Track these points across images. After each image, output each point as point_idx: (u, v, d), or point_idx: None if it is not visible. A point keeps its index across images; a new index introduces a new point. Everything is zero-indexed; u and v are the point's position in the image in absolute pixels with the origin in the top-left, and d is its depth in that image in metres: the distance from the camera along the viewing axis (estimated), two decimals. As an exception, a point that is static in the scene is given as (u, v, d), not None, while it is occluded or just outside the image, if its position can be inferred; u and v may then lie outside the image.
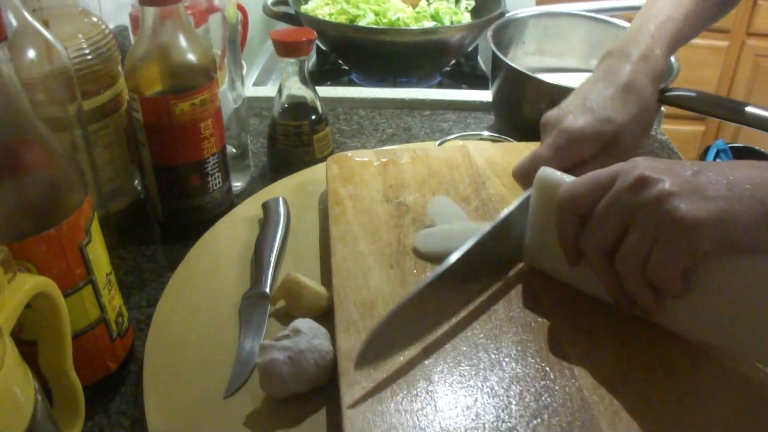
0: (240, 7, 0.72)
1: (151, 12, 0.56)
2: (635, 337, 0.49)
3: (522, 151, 0.74)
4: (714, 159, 1.85)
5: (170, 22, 0.57)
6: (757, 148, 1.68)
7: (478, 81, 1.18)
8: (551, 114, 0.58)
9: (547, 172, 0.51)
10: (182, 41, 0.58)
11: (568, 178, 0.50)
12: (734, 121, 0.66)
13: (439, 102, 0.97)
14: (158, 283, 0.62)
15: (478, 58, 1.26)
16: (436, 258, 0.56)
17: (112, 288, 0.48)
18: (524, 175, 0.56)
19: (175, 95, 0.58)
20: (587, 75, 0.64)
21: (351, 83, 1.16)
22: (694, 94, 0.67)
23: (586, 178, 0.47)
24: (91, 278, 0.45)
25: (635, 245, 0.43)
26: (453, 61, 1.18)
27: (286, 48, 0.71)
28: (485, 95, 0.97)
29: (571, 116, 0.56)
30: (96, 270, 0.45)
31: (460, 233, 0.54)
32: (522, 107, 0.84)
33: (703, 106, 0.67)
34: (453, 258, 0.49)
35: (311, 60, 1.22)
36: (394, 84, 1.12)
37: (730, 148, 1.65)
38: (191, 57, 0.58)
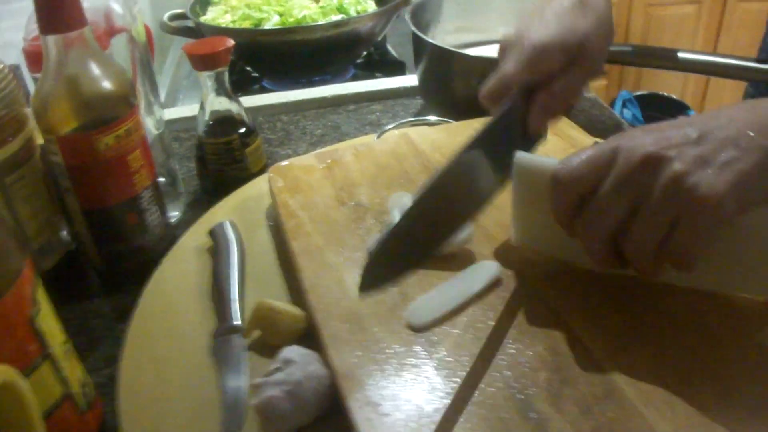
0: (144, 26, 0.66)
1: (53, 41, 0.50)
2: (635, 299, 0.49)
3: (465, 130, 0.72)
4: (621, 110, 1.91)
5: (77, 50, 0.50)
6: (661, 93, 1.74)
7: (391, 68, 1.16)
8: (509, 35, 0.55)
9: (525, 158, 0.49)
10: (94, 69, 0.52)
11: (550, 163, 0.47)
12: (670, 68, 0.66)
13: (363, 94, 0.94)
14: (111, 338, 0.56)
15: (387, 44, 1.24)
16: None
17: (71, 357, 0.42)
18: (494, 97, 0.52)
19: (95, 130, 0.52)
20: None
21: (263, 90, 1.11)
22: (629, 48, 0.67)
23: (583, 158, 0.44)
24: (48, 352, 0.39)
25: (653, 229, 0.41)
26: (364, 52, 1.15)
27: (203, 61, 0.66)
28: (408, 80, 0.95)
29: (532, 30, 0.52)
30: (51, 341, 0.39)
31: None
32: (452, 86, 0.82)
33: (639, 59, 0.67)
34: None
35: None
36: (309, 84, 1.08)
37: (635, 97, 1.71)
38: (107, 85, 0.52)
